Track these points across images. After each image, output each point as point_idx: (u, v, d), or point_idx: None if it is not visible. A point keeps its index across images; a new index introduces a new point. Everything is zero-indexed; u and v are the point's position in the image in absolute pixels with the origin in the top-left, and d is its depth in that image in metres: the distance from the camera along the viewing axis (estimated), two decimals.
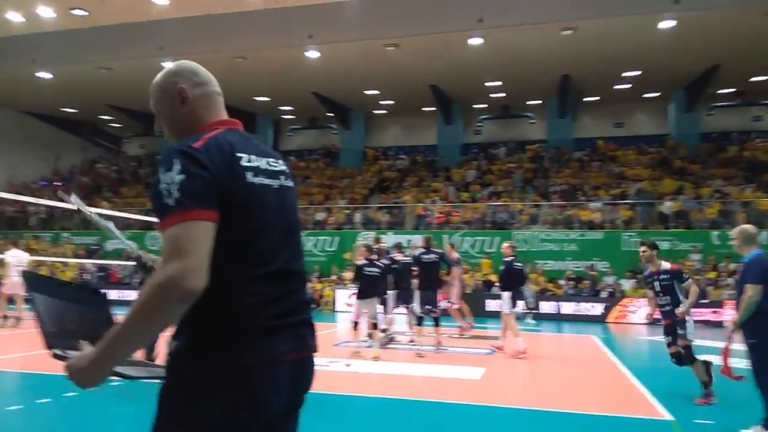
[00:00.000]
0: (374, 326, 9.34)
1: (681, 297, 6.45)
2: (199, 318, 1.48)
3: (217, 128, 1.67)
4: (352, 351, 9.14)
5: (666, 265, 6.62)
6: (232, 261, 1.50)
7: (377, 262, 9.38)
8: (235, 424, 1.48)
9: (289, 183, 1.78)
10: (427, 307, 9.80)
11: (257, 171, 1.63)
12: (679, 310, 6.32)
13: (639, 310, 16.40)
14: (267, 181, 1.65)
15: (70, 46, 21.46)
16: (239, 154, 1.60)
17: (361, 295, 9.19)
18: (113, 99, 27.15)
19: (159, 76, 1.85)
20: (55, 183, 30.47)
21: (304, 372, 1.65)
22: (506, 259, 10.07)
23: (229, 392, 1.46)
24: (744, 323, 5.01)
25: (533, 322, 15.87)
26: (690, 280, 6.70)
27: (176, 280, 1.35)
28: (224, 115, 1.78)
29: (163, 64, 21.83)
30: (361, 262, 9.39)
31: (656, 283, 6.51)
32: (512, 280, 9.87)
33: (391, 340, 10.74)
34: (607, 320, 16.86)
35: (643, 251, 6.65)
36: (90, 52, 21.48)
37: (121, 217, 22.81)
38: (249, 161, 1.62)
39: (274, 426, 1.60)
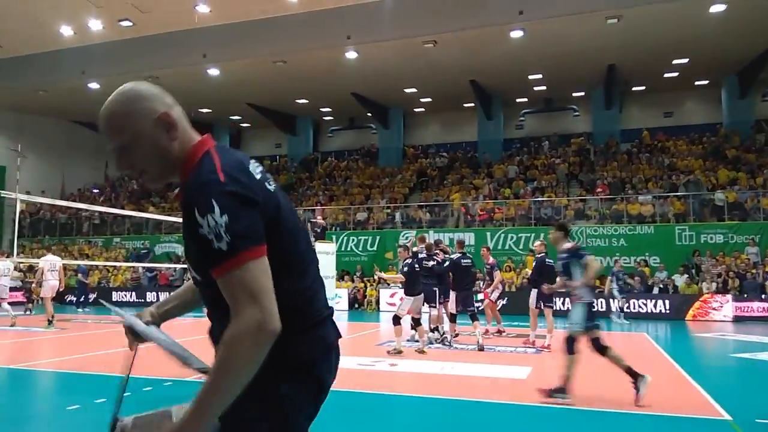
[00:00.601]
0: (418, 322, 9.43)
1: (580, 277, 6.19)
2: None
3: (207, 147, 1.55)
4: (394, 349, 9.11)
5: (567, 244, 6.42)
6: (283, 272, 1.50)
7: (431, 259, 9.87)
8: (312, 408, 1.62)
9: None
10: (464, 307, 10.33)
11: (266, 177, 1.58)
12: (553, 286, 6.28)
13: (724, 306, 15.83)
14: (274, 184, 1.62)
15: (117, 56, 22.23)
16: (250, 168, 1.53)
17: (409, 292, 9.28)
18: None
19: (117, 103, 1.56)
20: (106, 189, 31.61)
21: (339, 356, 1.71)
22: (538, 256, 10.43)
23: (302, 383, 1.55)
24: None
25: (626, 322, 15.24)
26: (589, 257, 6.40)
27: (261, 325, 1.33)
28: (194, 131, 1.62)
29: (208, 71, 22.58)
30: (408, 260, 9.45)
31: (559, 263, 6.42)
32: (544, 277, 9.94)
33: (443, 337, 10.70)
34: (685, 318, 16.14)
35: (551, 233, 6.73)
36: (136, 62, 22.19)
37: (169, 222, 23.49)
38: (257, 170, 1.56)
39: None
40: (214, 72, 22.67)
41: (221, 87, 24.47)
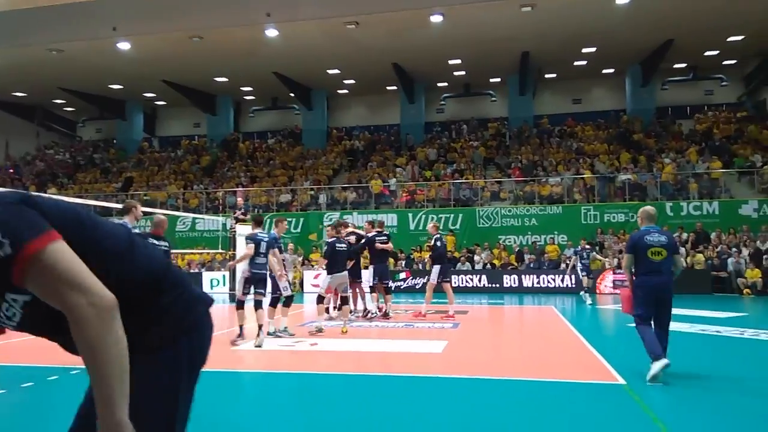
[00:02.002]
0: (344, 300, 9.78)
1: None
2: None
3: None
4: (316, 328, 9.26)
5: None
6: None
7: (345, 240, 9.97)
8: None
9: None
10: (381, 280, 10.97)
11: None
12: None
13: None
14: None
15: (17, 27, 20.55)
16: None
17: (330, 271, 9.51)
18: (66, 82, 26.24)
19: None
20: (9, 170, 29.44)
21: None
22: (434, 236, 11.45)
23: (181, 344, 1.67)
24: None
25: (589, 300, 14.71)
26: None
27: (93, 306, 1.36)
28: None
29: (118, 45, 21.42)
30: (331, 239, 9.75)
31: None
32: (440, 255, 11.28)
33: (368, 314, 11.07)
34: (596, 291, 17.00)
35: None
36: (38, 34, 20.65)
37: (78, 204, 22.24)
38: None
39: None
40: (125, 46, 21.52)
41: (133, 62, 23.28)
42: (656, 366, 5.67)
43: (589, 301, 14.28)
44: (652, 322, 6.02)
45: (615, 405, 5.07)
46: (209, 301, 1.84)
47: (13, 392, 5.57)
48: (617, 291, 16.52)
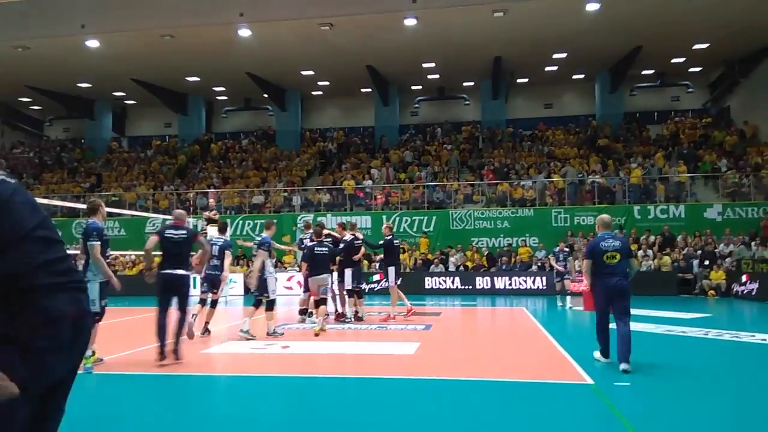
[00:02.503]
0: (322, 301, 9.80)
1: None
2: None
3: None
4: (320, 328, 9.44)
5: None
6: None
7: (326, 242, 10.06)
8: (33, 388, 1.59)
9: None
10: (358, 283, 11.05)
11: None
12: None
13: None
14: None
15: None
16: None
17: (312, 273, 9.65)
18: (33, 80, 25.57)
19: None
20: None
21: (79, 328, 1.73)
22: (387, 237, 11.46)
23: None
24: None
25: (566, 306, 14.25)
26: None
27: None
28: None
29: (87, 42, 20.99)
30: (311, 243, 9.93)
31: None
32: (394, 256, 11.49)
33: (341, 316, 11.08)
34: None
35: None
36: (4, 30, 20.13)
37: (44, 205, 21.69)
38: None
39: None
40: (93, 44, 21.07)
41: (102, 60, 22.81)
42: (599, 356, 6.82)
43: (569, 304, 13.75)
44: (612, 316, 6.67)
45: (583, 405, 5.16)
46: (73, 322, 1.69)
47: None
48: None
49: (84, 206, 21.28)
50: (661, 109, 26.98)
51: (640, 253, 18.32)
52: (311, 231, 10.73)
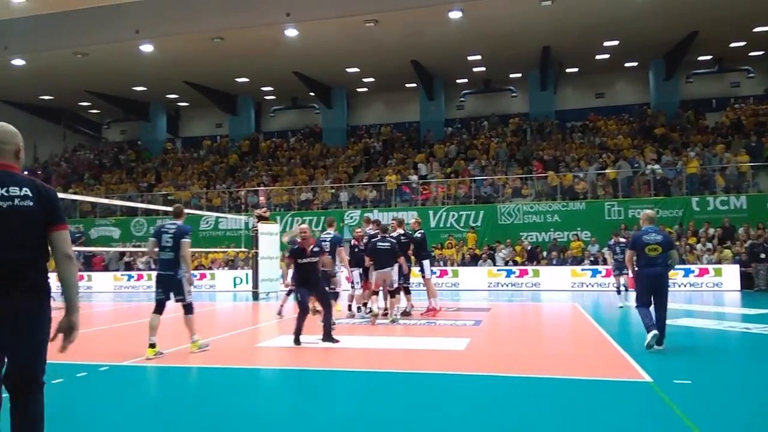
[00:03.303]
0: (392, 294, 10.30)
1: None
2: None
3: None
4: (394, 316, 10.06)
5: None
6: None
7: (388, 237, 10.35)
8: None
9: (27, 203, 2.66)
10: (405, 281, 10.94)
11: None
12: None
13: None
14: None
15: (43, 31, 21.05)
16: None
17: (377, 267, 10.06)
18: (91, 85, 26.72)
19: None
20: (38, 172, 30.07)
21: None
22: (420, 233, 11.52)
23: None
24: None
25: (627, 303, 12.52)
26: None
27: None
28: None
29: (141, 47, 21.77)
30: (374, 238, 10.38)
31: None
32: (426, 249, 11.64)
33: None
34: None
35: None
36: (64, 38, 21.08)
37: (104, 204, 22.69)
38: None
39: None
40: (147, 48, 21.82)
41: (156, 64, 23.61)
42: (649, 336, 6.95)
43: (627, 303, 12.12)
44: (652, 304, 7.17)
45: (643, 403, 5.02)
46: None
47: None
48: None
49: (142, 205, 22.04)
50: (719, 96, 25.81)
51: (699, 246, 17.67)
52: (369, 227, 11.11)
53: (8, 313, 2.57)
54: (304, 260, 7.93)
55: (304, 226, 8.39)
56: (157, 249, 7.34)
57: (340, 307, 11.54)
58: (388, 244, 10.14)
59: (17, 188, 2.65)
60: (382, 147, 27.19)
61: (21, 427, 2.68)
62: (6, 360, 2.65)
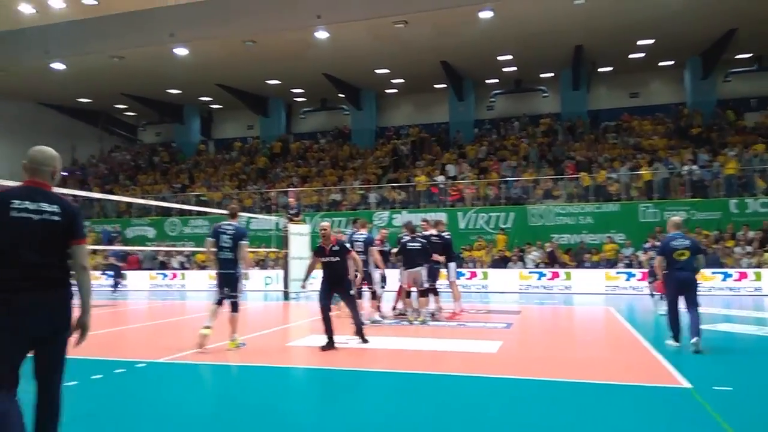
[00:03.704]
0: (423, 294, 10.40)
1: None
2: None
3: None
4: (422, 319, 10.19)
5: None
6: None
7: (418, 238, 10.49)
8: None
9: (54, 218, 3.15)
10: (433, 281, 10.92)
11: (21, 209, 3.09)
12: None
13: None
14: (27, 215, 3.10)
15: (81, 36, 21.63)
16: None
17: (407, 267, 10.24)
18: (127, 87, 27.36)
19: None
20: (77, 173, 30.91)
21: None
22: (447, 235, 11.47)
23: None
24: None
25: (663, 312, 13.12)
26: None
27: None
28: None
29: (176, 51, 22.21)
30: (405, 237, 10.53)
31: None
32: (452, 252, 11.53)
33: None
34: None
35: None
36: (101, 42, 21.63)
37: (139, 204, 23.20)
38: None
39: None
40: (182, 52, 22.25)
41: (190, 67, 24.05)
42: (671, 342, 7.58)
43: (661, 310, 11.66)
44: (684, 306, 7.53)
45: (682, 409, 4.90)
46: None
47: (84, 384, 5.84)
48: None
49: (175, 205, 22.44)
50: (759, 95, 25.01)
51: (738, 249, 17.18)
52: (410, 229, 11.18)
53: (39, 304, 3.08)
54: (324, 259, 7.89)
55: (325, 223, 8.31)
56: (215, 249, 7.64)
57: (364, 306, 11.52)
58: (418, 244, 10.24)
59: (48, 204, 3.17)
60: (411, 148, 27.16)
61: (51, 404, 3.16)
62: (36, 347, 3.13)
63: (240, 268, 7.64)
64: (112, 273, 19.60)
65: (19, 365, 3.05)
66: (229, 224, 7.77)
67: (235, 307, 7.67)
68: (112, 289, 18.99)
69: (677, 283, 7.56)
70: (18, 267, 3.04)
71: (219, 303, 7.69)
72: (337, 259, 7.81)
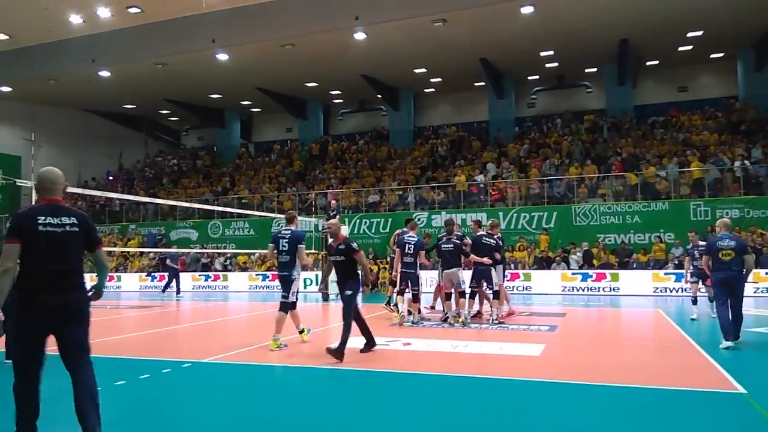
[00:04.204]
0: (461, 295, 10.42)
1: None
2: None
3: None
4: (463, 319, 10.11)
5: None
6: (26, 262, 3.58)
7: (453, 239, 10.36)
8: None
9: (74, 228, 3.69)
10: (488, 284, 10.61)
11: (39, 221, 3.59)
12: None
13: None
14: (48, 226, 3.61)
15: (127, 44, 22.29)
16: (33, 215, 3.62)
17: (444, 267, 10.26)
18: (170, 93, 28.05)
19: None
20: (124, 178, 31.88)
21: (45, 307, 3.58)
22: (496, 236, 11.00)
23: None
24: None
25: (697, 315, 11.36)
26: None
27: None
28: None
29: (217, 56, 22.59)
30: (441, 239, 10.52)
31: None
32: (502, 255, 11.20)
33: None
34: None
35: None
36: (145, 49, 22.24)
37: (182, 207, 23.71)
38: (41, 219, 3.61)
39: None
40: (223, 57, 22.65)
41: (231, 72, 24.47)
42: (725, 344, 7.39)
43: (694, 314, 11.10)
44: (728, 305, 7.56)
45: (736, 415, 4.62)
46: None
47: (132, 383, 5.95)
48: None
49: (218, 208, 22.79)
50: None
51: None
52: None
53: (64, 305, 3.62)
54: (331, 258, 7.55)
55: (333, 221, 8.20)
56: (276, 252, 7.92)
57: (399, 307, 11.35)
58: (452, 245, 10.21)
59: (67, 218, 3.68)
60: (449, 147, 26.90)
61: (85, 387, 3.61)
62: (62, 340, 3.64)
63: (295, 272, 7.86)
64: (167, 273, 19.68)
65: (43, 349, 3.61)
66: (288, 229, 8.03)
67: (283, 307, 7.85)
68: (174, 291, 18.81)
69: (722, 281, 7.64)
70: (48, 274, 3.55)
71: (293, 306, 7.97)
72: (343, 258, 7.35)
